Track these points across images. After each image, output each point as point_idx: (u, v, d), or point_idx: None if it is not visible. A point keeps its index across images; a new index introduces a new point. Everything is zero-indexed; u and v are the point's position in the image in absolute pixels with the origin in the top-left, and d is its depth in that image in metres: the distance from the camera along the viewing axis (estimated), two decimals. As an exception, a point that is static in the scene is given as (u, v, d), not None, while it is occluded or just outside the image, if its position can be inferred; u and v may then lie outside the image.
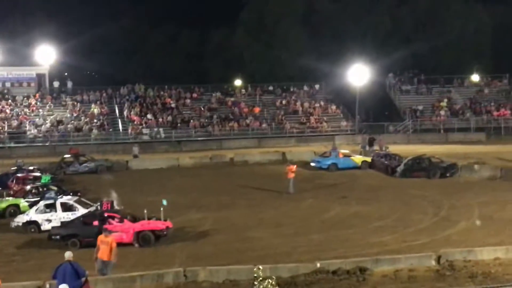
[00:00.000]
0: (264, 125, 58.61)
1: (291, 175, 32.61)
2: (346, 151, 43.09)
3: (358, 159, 42.02)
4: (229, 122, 58.36)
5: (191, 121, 57.89)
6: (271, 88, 65.46)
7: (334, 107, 62.88)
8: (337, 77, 64.57)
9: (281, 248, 21.83)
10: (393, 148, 43.97)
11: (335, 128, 59.18)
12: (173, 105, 60.49)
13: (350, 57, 63.55)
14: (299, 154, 47.05)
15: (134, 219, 23.34)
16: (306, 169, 41.13)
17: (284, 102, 62.96)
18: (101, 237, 18.04)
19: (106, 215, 23.19)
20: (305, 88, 65.74)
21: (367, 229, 24.47)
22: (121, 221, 22.93)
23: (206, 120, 58.43)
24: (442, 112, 62.02)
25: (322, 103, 63.27)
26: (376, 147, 46.96)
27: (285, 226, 25.46)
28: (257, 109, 60.95)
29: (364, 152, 45.90)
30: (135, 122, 56.96)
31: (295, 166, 33.83)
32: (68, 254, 15.31)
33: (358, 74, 58.20)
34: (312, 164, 42.05)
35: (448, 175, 37.19)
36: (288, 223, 25.92)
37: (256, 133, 57.88)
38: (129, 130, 55.94)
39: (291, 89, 65.42)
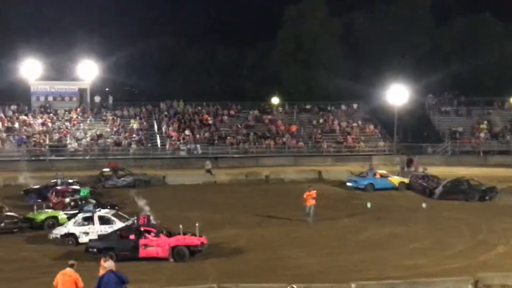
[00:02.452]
0: (300, 144, 58.62)
1: (311, 202, 29.93)
2: (383, 172, 42.77)
3: (395, 179, 41.67)
4: (266, 139, 58.51)
5: (228, 138, 58.22)
6: (308, 106, 65.49)
7: (372, 126, 62.59)
8: (375, 97, 64.29)
9: (315, 267, 21.76)
10: (432, 170, 43.45)
11: (372, 148, 58.91)
12: (210, 122, 60.94)
13: (388, 76, 63.28)
14: (336, 173, 46.89)
15: (170, 234, 23.52)
16: (342, 188, 40.95)
17: (321, 120, 62.94)
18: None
19: (142, 229, 23.41)
20: (343, 107, 65.65)
21: (403, 251, 24.24)
22: (157, 235, 23.12)
23: (243, 137, 58.69)
24: (482, 135, 61.24)
25: (359, 122, 63.07)
26: (413, 168, 46.53)
27: (319, 245, 25.37)
28: (294, 127, 61.00)
29: (402, 173, 45.52)
30: (173, 138, 57.52)
31: (315, 191, 30.49)
32: (109, 264, 15.52)
33: (397, 94, 57.90)
34: (349, 184, 41.84)
35: (487, 198, 36.66)
36: (322, 243, 25.82)
37: (292, 151, 57.89)
38: (167, 146, 56.50)
39: (329, 108, 65.38)
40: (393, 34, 72.48)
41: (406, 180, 41.45)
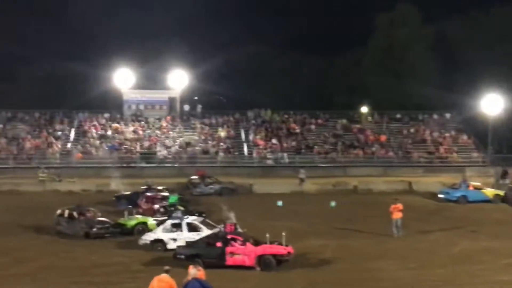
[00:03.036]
0: (390, 153, 57.40)
1: (398, 215, 28.98)
2: (477, 184, 41.26)
3: (489, 192, 40.14)
4: (354, 149, 57.68)
5: (315, 147, 57.77)
6: (398, 116, 64.13)
7: (465, 137, 60.54)
8: (468, 106, 62.24)
9: (404, 280, 21.08)
10: (528, 182, 41.62)
11: (465, 159, 56.88)
12: (298, 131, 60.69)
13: (483, 85, 61.11)
14: (427, 184, 45.63)
15: (256, 243, 23.39)
16: (434, 200, 39.78)
17: (412, 130, 61.49)
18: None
19: (229, 237, 23.40)
20: (435, 116, 63.91)
21: (497, 266, 23.17)
22: (243, 244, 23.05)
23: (330, 147, 58.11)
24: None
25: (452, 132, 61.18)
26: (508, 180, 44.66)
27: (409, 258, 24.61)
28: (383, 137, 59.86)
29: (497, 185, 43.79)
30: (260, 146, 57.64)
31: (401, 204, 29.40)
32: (194, 272, 15.50)
33: (491, 104, 55.80)
34: (440, 195, 40.63)
35: None
36: (412, 256, 25.03)
37: (381, 161, 56.77)
38: (254, 154, 56.67)
39: (420, 117, 63.83)
40: (487, 42, 70.08)
41: (501, 193, 39.88)
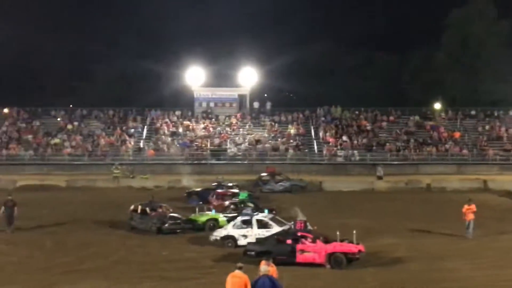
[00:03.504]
0: (464, 151, 56.00)
1: (471, 216, 27.71)
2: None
3: None
4: (427, 146, 56.54)
5: (387, 144, 56.94)
6: (473, 112, 62.48)
7: (542, 134, 58.50)
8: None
9: (479, 281, 20.43)
10: None
11: (543, 156, 54.98)
12: (368, 128, 59.96)
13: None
14: (503, 183, 44.28)
15: (326, 241, 23.18)
16: (510, 199, 38.51)
17: (487, 127, 59.78)
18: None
19: (299, 234, 23.28)
20: (511, 113, 61.91)
21: None
22: (313, 241, 22.89)
23: (403, 144, 57.14)
24: None
25: (530, 129, 59.22)
26: None
27: (484, 258, 23.84)
28: (457, 134, 58.46)
29: None
30: (330, 144, 57.24)
31: (474, 205, 27.96)
32: (265, 268, 15.46)
33: None
34: (517, 194, 39.35)
35: None
36: (487, 256, 24.24)
37: (455, 159, 55.45)
38: (324, 152, 56.32)
39: (495, 114, 61.96)
40: None
41: None
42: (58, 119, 62.20)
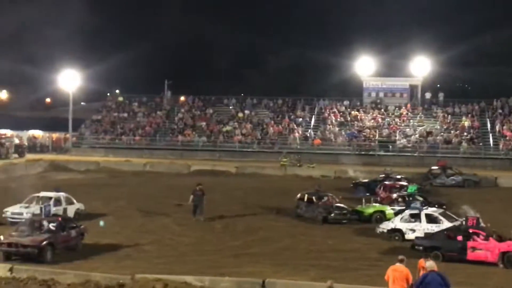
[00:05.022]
0: None
1: None
2: None
3: None
4: None
5: None
6: None
7: None
8: None
9: None
10: None
11: None
12: (551, 121, 55.87)
13: None
14: None
15: (500, 239, 21.91)
16: None
17: None
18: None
19: (470, 231, 22.24)
20: None
21: None
22: (486, 239, 21.75)
23: None
24: None
25: None
26: None
27: None
28: None
29: None
30: (507, 138, 54.02)
31: None
32: (431, 264, 14.93)
33: None
34: None
35: None
36: None
37: None
38: (500, 146, 53.29)
39: None
40: None
41: None
42: (230, 107, 64.37)
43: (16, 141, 56.11)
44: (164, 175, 45.24)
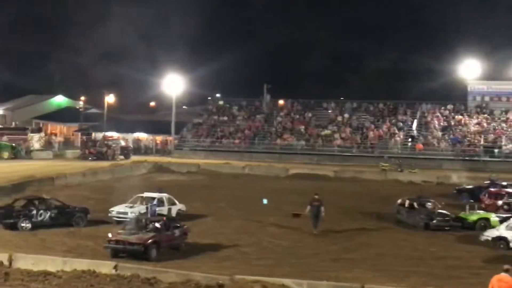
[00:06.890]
0: None
1: None
2: None
3: None
4: None
5: None
6: None
7: None
8: None
9: None
10: None
11: None
12: None
13: None
14: None
15: None
16: None
17: None
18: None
19: None
20: None
21: None
22: None
23: None
24: None
25: None
26: None
27: None
28: None
29: None
30: None
31: None
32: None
33: None
34: None
35: None
36: None
37: None
38: None
39: None
40: None
41: None
42: (329, 111, 64.13)
43: (122, 143, 58.23)
44: (263, 178, 45.61)
